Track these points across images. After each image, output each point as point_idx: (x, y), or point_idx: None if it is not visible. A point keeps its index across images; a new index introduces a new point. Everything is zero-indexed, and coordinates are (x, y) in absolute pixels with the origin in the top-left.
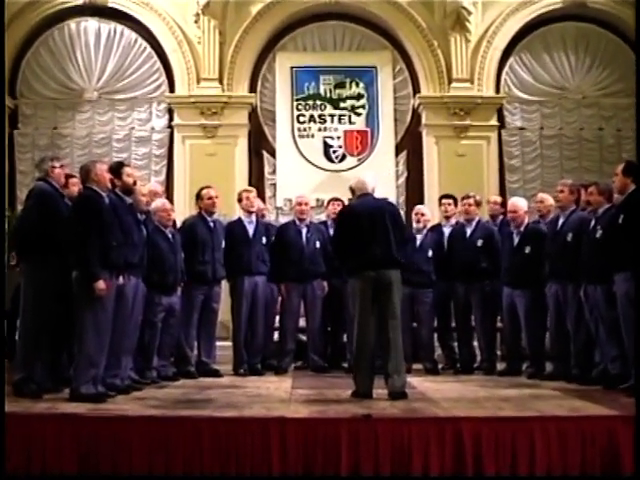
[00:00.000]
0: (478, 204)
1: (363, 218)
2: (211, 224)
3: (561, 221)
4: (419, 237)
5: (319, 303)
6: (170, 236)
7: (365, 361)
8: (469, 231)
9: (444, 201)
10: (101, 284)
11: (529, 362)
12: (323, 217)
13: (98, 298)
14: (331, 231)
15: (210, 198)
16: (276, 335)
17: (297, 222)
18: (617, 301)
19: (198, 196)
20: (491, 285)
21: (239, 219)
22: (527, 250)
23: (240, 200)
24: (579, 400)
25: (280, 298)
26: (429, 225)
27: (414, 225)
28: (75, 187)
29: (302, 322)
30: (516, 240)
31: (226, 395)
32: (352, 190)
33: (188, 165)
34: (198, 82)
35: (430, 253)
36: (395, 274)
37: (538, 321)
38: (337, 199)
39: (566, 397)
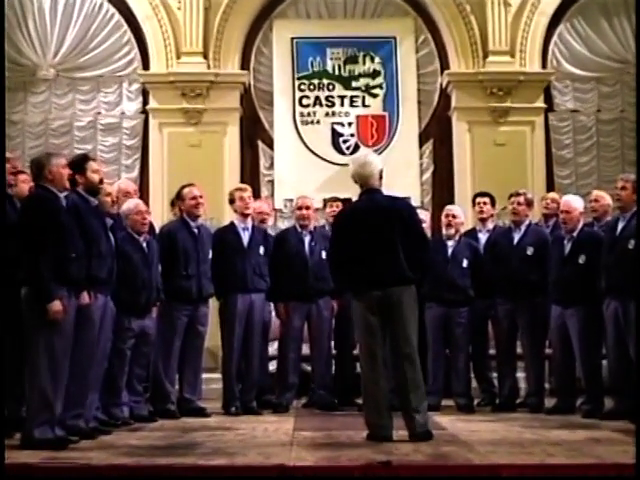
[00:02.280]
0: (529, 204)
1: (364, 223)
2: (195, 230)
3: (621, 225)
4: (450, 244)
5: (327, 326)
6: (144, 245)
7: (376, 399)
8: (517, 237)
9: (479, 200)
10: (57, 305)
11: (585, 397)
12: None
13: (53, 322)
14: None
15: (193, 198)
16: (272, 366)
17: (298, 228)
18: None
19: (178, 196)
20: (543, 303)
21: (231, 224)
22: (581, 260)
23: (232, 201)
24: None
25: (279, 321)
26: (462, 229)
27: (444, 230)
28: (25, 185)
29: (306, 349)
30: (568, 247)
31: (214, 439)
32: (355, 181)
33: (166, 158)
34: (178, 57)
35: (465, 263)
36: (407, 292)
37: (596, 347)
38: (336, 199)
39: (630, 440)
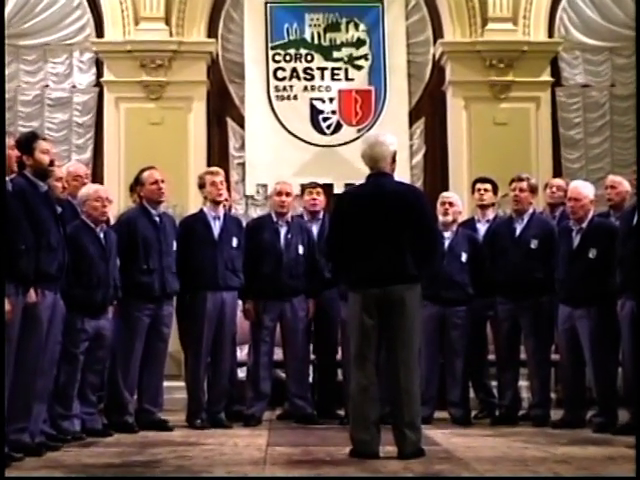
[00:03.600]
0: (533, 190)
1: (366, 210)
2: (156, 219)
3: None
4: (447, 236)
5: (302, 328)
6: (102, 236)
7: (364, 411)
8: (519, 228)
9: (479, 186)
10: (5, 305)
11: (596, 409)
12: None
13: None
14: (314, 229)
15: (154, 182)
16: (242, 373)
17: (274, 218)
18: None
19: (137, 181)
20: (549, 303)
21: (201, 212)
22: (592, 254)
23: (203, 186)
24: None
25: (249, 322)
26: (460, 219)
27: (440, 219)
28: None
29: (280, 354)
30: (576, 240)
31: (177, 455)
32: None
33: (123, 138)
34: (136, 23)
35: (464, 258)
36: (410, 290)
37: (609, 352)
38: (316, 185)
39: None
